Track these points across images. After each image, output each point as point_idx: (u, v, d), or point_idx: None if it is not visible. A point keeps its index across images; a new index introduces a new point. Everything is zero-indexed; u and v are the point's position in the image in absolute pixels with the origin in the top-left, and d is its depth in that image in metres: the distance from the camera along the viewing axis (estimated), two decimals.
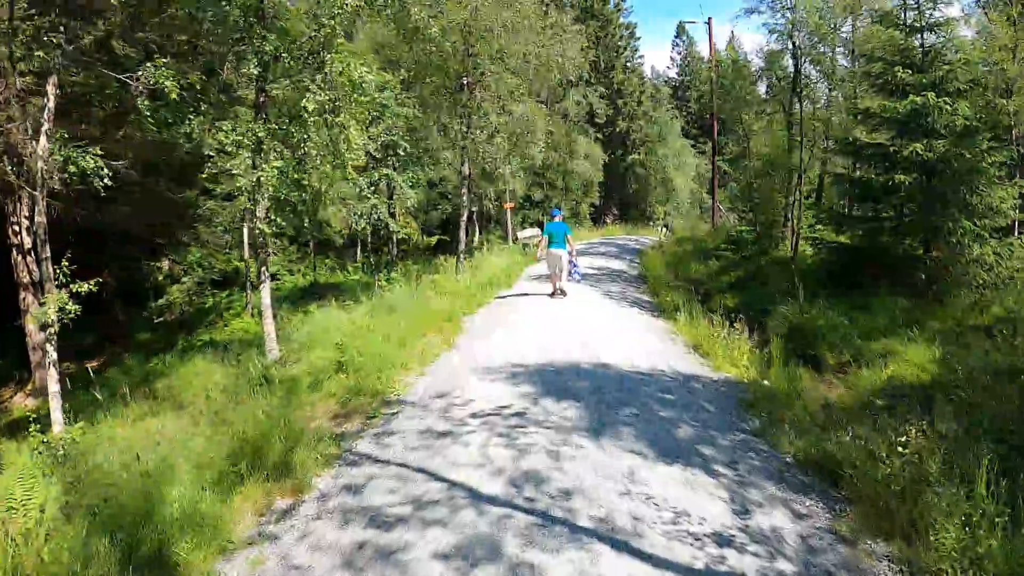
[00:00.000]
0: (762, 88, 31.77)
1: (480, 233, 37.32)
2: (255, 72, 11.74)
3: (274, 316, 12.96)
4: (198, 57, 15.96)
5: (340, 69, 11.66)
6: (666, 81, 79.84)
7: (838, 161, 31.52)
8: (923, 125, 14.04)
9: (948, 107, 13.70)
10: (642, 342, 12.18)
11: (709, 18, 32.41)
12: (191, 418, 9.34)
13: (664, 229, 46.11)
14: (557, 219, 16.82)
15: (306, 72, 12.08)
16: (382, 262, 37.01)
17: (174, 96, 10.70)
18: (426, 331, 13.08)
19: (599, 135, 50.96)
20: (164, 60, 10.98)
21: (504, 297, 17.76)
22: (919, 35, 14.88)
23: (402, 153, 19.19)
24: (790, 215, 22.74)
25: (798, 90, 22.44)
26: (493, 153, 23.14)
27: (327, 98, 11.60)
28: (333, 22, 11.97)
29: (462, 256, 21.70)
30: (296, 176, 11.82)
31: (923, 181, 14.06)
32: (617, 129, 55.19)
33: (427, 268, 26.19)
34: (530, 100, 24.11)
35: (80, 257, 10.75)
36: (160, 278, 30.55)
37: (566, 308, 15.42)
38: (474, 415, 8.00)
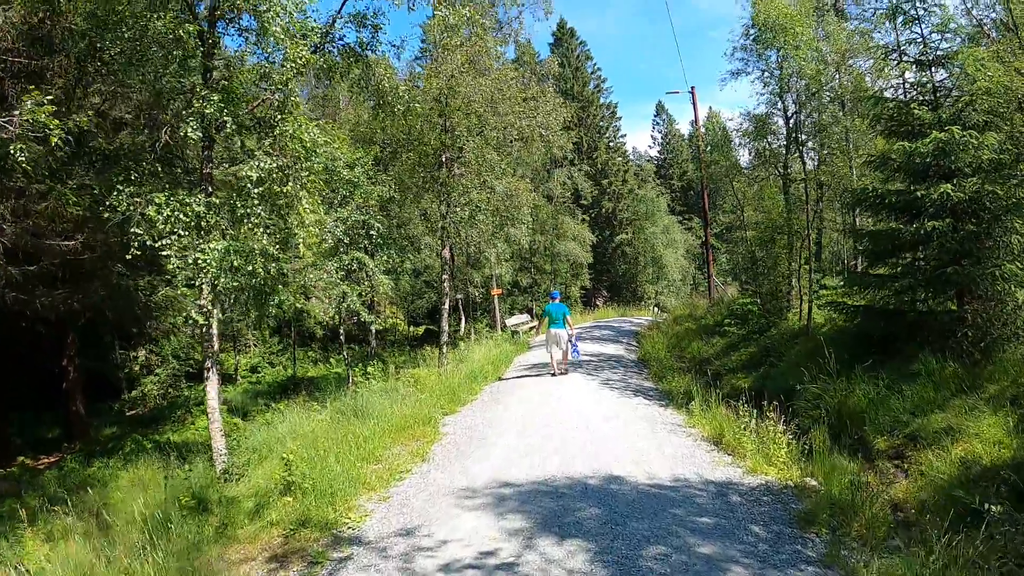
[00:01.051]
0: (744, 156, 30.32)
1: (466, 321, 35.46)
2: (194, 136, 10.07)
3: (243, 416, 11.13)
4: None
5: (291, 131, 9.99)
6: (648, 160, 79.36)
7: (838, 219, 30.19)
8: (947, 164, 12.43)
9: (975, 141, 12.12)
10: (655, 441, 10.21)
11: (692, 87, 31.10)
12: (96, 551, 7.50)
13: (656, 308, 44.52)
14: (556, 300, 17.26)
15: (251, 138, 10.49)
16: (362, 354, 35.31)
17: (55, 140, 8.93)
18: (398, 439, 11.19)
19: (585, 216, 49.75)
20: (49, 97, 9.23)
21: (491, 392, 15.78)
22: (928, 70, 13.44)
23: (374, 234, 17.38)
24: (796, 282, 21.06)
25: (798, 147, 20.94)
26: (476, 236, 21.55)
27: (274, 165, 9.89)
28: (288, 85, 10.43)
29: (445, 348, 19.79)
30: (237, 260, 10.03)
31: (954, 226, 12.35)
32: (603, 209, 54.18)
33: (412, 359, 24.45)
34: (513, 176, 22.47)
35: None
36: (136, 368, 28.76)
37: (562, 403, 13.50)
38: (446, 569, 6.00)
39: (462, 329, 30.00)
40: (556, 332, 16.63)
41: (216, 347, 11.30)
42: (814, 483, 8.03)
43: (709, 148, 31.62)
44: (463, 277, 33.46)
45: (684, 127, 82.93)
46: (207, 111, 9.78)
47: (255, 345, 39.51)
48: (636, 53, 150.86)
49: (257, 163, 9.75)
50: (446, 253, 19.61)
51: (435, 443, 11.01)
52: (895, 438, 10.07)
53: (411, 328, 45.83)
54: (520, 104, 19.16)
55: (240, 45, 11.94)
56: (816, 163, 20.91)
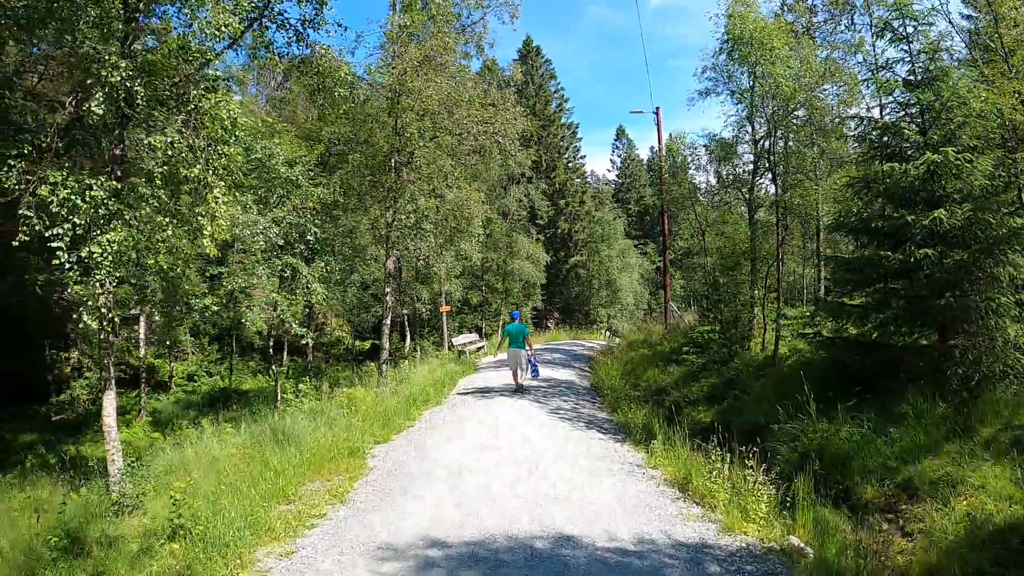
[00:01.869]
0: (706, 180, 29.26)
1: (412, 339, 33.85)
2: (97, 111, 8.54)
3: (165, 430, 9.62)
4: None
5: (206, 107, 8.53)
6: (607, 183, 78.73)
7: (797, 247, 29.34)
8: (936, 189, 11.43)
9: (969, 165, 11.13)
10: (614, 490, 8.79)
11: (657, 108, 30.09)
12: None
13: (608, 333, 43.43)
14: (517, 321, 17.85)
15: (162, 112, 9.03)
16: (301, 368, 33.65)
17: None
18: (318, 471, 9.74)
19: (540, 236, 48.53)
20: None
21: (430, 419, 14.32)
22: (915, 91, 12.46)
23: (311, 239, 15.82)
24: (758, 310, 20.01)
25: (770, 169, 19.88)
26: (424, 249, 20.12)
27: (184, 144, 8.41)
28: (208, 56, 9.01)
29: (385, 366, 18.26)
30: (133, 254, 8.52)
31: (942, 255, 11.30)
32: (559, 230, 53.13)
33: (354, 375, 22.91)
34: (466, 185, 20.95)
35: None
36: (67, 371, 26.88)
37: (507, 435, 12.09)
38: None
39: (407, 346, 28.46)
40: (516, 352, 17.02)
41: (110, 354, 9.63)
42: (801, 544, 6.77)
43: (671, 170, 30.57)
44: (411, 292, 31.89)
45: (644, 153, 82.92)
46: (113, 79, 8.28)
47: (192, 352, 37.82)
48: (597, 80, 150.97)
49: (161, 136, 8.25)
50: (390, 264, 18.12)
51: (359, 479, 9.53)
52: (885, 487, 8.86)
53: (356, 342, 44.22)
54: (478, 108, 17.81)
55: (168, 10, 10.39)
56: (782, 188, 19.78)
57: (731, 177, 24.31)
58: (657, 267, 60.94)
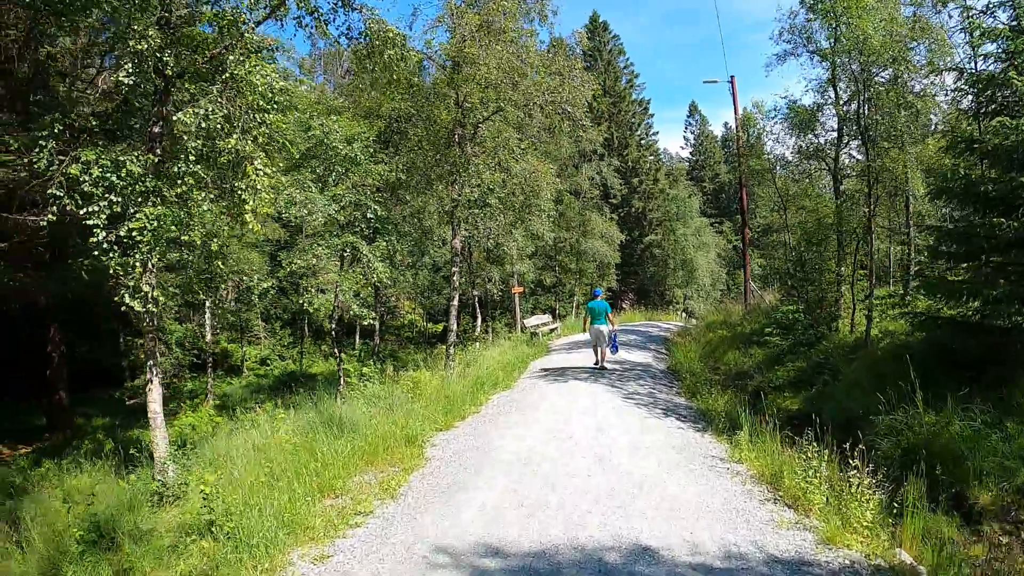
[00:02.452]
0: (781, 150, 27.56)
1: (484, 321, 33.23)
2: (127, 81, 8.03)
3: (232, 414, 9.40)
4: None
5: (240, 74, 7.93)
6: (680, 161, 76.90)
7: (896, 219, 27.57)
8: None
9: None
10: (697, 487, 7.88)
11: (732, 76, 28.67)
12: None
13: (684, 314, 42.26)
14: (599, 298, 17.76)
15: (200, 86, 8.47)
16: (369, 351, 33.46)
17: None
18: (371, 462, 9.09)
19: (614, 215, 47.39)
20: None
21: (497, 404, 13.61)
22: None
23: (372, 217, 15.18)
24: (846, 288, 18.73)
25: (862, 133, 18.42)
26: (494, 228, 19.41)
27: (219, 114, 7.82)
28: (240, 19, 8.41)
29: (453, 349, 17.61)
30: (175, 229, 8.00)
31: None
32: (633, 208, 51.93)
33: (425, 358, 22.41)
34: (533, 158, 19.93)
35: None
36: (141, 356, 27.25)
37: (578, 423, 11.26)
38: None
39: (478, 328, 27.78)
40: (598, 328, 17.04)
41: (156, 339, 9.18)
42: (912, 562, 5.83)
43: (749, 139, 28.97)
44: (482, 273, 31.25)
45: (717, 129, 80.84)
46: (141, 47, 7.73)
47: (265, 337, 38.18)
48: (666, 59, 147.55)
49: (194, 109, 7.66)
50: (456, 243, 17.36)
51: (414, 472, 8.83)
52: (1004, 493, 7.77)
53: (429, 325, 44.01)
54: (544, 77, 16.88)
55: None
56: (871, 154, 18.30)
57: (812, 147, 22.90)
58: (734, 246, 59.19)
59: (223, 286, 23.32)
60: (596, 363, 17.46)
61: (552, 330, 28.35)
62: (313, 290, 14.69)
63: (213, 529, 6.49)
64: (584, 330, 18.58)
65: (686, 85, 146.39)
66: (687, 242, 49.46)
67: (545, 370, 17.63)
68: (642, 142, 55.94)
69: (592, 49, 50.38)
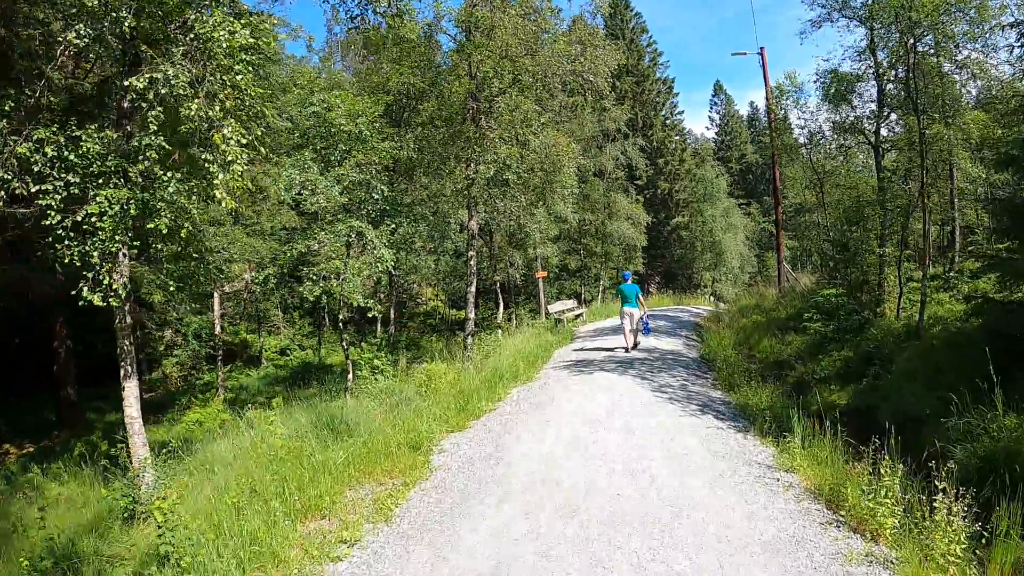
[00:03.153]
0: (816, 124, 25.90)
1: (507, 307, 32.05)
2: (77, 42, 7.04)
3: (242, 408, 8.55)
4: None
5: (206, 30, 6.86)
6: (706, 141, 75.13)
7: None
8: None
9: None
10: (742, 506, 6.74)
11: (761, 48, 27.23)
12: None
13: (712, 298, 41.01)
14: (629, 281, 17.70)
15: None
16: (391, 340, 32.55)
17: None
18: (369, 472, 8.03)
19: (640, 197, 46.11)
20: None
21: (516, 401, 12.48)
22: None
23: (378, 197, 14.06)
24: (891, 271, 17.46)
25: (911, 101, 16.95)
26: (514, 209, 18.24)
27: (183, 78, 6.76)
28: None
29: (471, 338, 16.53)
30: (135, 210, 6.98)
31: None
32: (659, 190, 50.65)
33: (448, 346, 21.35)
34: (552, 131, 18.55)
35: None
36: (161, 349, 26.60)
37: (605, 425, 10.13)
38: None
39: (499, 315, 26.58)
40: (629, 310, 17.05)
41: (128, 334, 8.18)
42: None
43: (782, 110, 27.41)
44: (504, 257, 30.01)
45: (743, 109, 79.02)
46: (91, 4, 6.67)
47: (284, 327, 37.53)
48: (689, 41, 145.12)
49: (153, 74, 6.61)
50: (473, 225, 16.20)
51: (415, 486, 7.76)
52: None
53: (452, 311, 43.12)
54: (563, 46, 15.65)
55: None
56: (919, 122, 16.88)
57: (850, 121, 21.50)
58: (762, 227, 57.66)
59: (229, 276, 22.39)
60: (627, 347, 17.12)
61: (577, 316, 27.20)
62: (315, 278, 13.57)
63: (168, 562, 5.49)
64: (618, 314, 18.60)
65: (710, 65, 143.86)
66: (715, 223, 47.93)
67: (569, 360, 16.52)
68: (667, 122, 54.66)
69: (614, 27, 49.07)
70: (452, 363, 15.01)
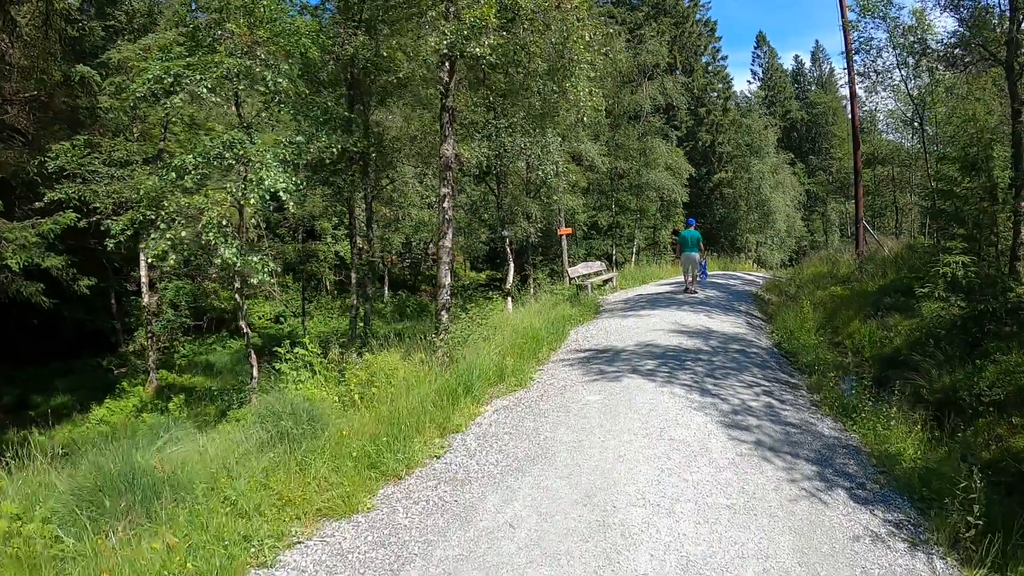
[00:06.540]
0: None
1: (515, 270, 26.02)
2: None
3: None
4: None
5: None
6: (747, 98, 68.93)
7: None
8: None
9: None
10: None
11: None
12: None
13: (756, 263, 35.90)
14: (692, 227, 18.82)
15: None
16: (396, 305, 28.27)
17: None
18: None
19: (678, 149, 40.38)
20: None
21: (486, 430, 7.42)
22: None
23: (270, 86, 8.92)
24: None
25: None
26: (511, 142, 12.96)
27: None
28: None
29: (444, 315, 11.26)
30: None
31: None
32: (700, 142, 45.31)
33: (473, 309, 16.51)
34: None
35: None
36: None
37: (639, 511, 5.10)
38: None
39: (508, 281, 21.43)
40: (689, 255, 18.36)
41: None
42: None
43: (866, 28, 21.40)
44: (516, 208, 24.37)
45: (787, 62, 73.09)
46: None
47: (274, 292, 33.05)
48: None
49: None
50: (447, 149, 10.83)
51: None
52: None
53: (472, 273, 38.50)
54: None
55: None
56: None
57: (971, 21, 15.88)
58: (807, 189, 51.86)
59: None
60: (685, 288, 18.66)
61: (606, 281, 21.84)
62: (163, 225, 8.56)
63: None
64: (678, 264, 20.19)
65: (751, 21, 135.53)
66: (763, 180, 42.21)
67: (588, 349, 11.43)
68: (709, 68, 49.55)
69: None
70: (417, 354, 9.91)
